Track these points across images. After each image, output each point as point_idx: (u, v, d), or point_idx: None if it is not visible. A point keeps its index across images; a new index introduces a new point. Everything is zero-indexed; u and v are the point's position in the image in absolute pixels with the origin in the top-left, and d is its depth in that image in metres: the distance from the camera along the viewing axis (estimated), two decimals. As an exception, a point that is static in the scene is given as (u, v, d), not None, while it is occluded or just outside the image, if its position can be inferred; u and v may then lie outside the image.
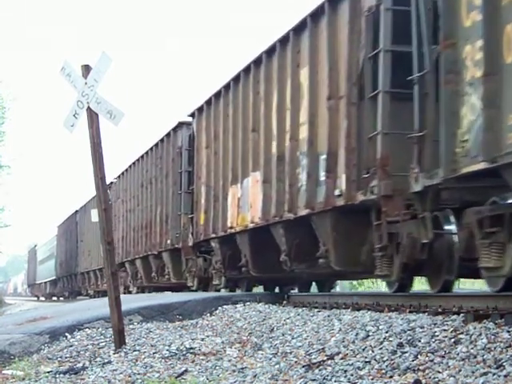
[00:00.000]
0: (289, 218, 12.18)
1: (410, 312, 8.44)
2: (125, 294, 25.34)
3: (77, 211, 39.65)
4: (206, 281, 17.72)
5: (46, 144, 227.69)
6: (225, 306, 11.88)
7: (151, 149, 22.74)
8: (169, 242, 20.20)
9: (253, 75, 13.89)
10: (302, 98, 11.90)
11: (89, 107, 9.05)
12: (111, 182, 28.22)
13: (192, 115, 18.05)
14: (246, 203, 14.10)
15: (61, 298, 50.35)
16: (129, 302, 12.15)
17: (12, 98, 43.33)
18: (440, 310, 8.05)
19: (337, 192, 10.55)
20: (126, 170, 26.34)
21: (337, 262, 11.11)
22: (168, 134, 20.71)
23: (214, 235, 16.05)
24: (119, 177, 27.77)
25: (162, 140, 21.39)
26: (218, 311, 11.68)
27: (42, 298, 61.66)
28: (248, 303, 11.97)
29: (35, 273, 65.29)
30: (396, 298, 9.71)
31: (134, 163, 25.18)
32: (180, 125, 19.89)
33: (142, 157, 23.86)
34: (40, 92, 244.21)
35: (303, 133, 11.77)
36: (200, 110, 17.29)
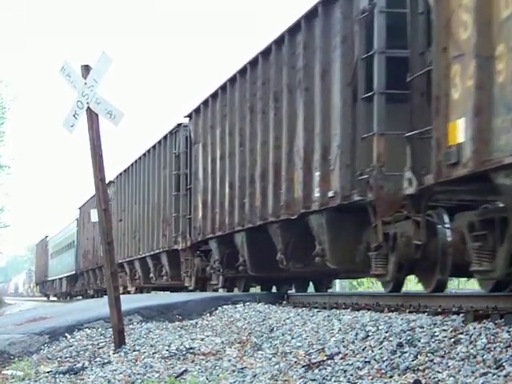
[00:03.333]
0: None
1: (409, 312, 8.44)
2: (194, 291, 17.90)
3: (111, 182, 27.41)
4: (421, 267, 9.67)
5: (46, 144, 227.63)
6: (224, 306, 11.89)
7: (278, 41, 12.81)
8: (331, 193, 10.79)
9: None
10: None
11: (89, 107, 9.06)
12: (185, 122, 18.72)
13: None
14: None
15: (78, 297, 40.89)
16: (129, 302, 12.15)
17: (12, 97, 43.25)
18: (440, 310, 8.06)
19: None
20: (218, 91, 15.86)
21: None
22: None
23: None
24: (198, 111, 17.32)
25: (308, 17, 11.76)
26: (217, 311, 11.69)
27: (54, 298, 53.57)
28: (248, 303, 11.97)
29: (46, 268, 55.35)
30: (396, 298, 9.70)
31: (241, 72, 14.47)
32: None
33: (254, 63, 13.76)
34: (40, 92, 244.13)
35: None
36: None
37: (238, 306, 11.85)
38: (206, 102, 16.71)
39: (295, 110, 12.15)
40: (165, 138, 20.72)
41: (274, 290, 16.79)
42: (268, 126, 13.23)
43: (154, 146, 21.96)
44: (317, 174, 11.31)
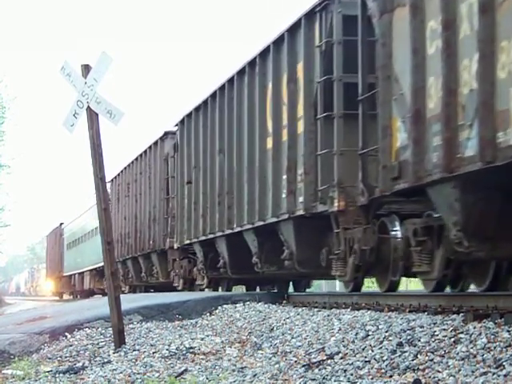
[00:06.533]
0: None
1: (409, 311, 8.44)
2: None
3: (168, 133, 20.17)
4: None
5: (46, 144, 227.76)
6: (224, 306, 11.87)
7: None
8: None
9: None
10: None
11: (89, 107, 9.05)
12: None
13: None
14: None
15: (95, 296, 34.25)
16: (128, 301, 12.15)
17: (12, 97, 43.20)
18: (440, 309, 8.06)
19: None
20: None
21: None
22: None
23: None
24: None
25: None
26: (217, 311, 11.67)
27: (69, 297, 46.95)
28: (248, 303, 11.96)
29: (61, 262, 47.04)
30: (396, 297, 9.70)
31: None
32: None
33: None
34: (40, 92, 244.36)
35: None
36: None
37: (237, 305, 11.83)
38: None
39: None
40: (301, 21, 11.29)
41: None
42: None
43: (273, 44, 12.26)
44: None
